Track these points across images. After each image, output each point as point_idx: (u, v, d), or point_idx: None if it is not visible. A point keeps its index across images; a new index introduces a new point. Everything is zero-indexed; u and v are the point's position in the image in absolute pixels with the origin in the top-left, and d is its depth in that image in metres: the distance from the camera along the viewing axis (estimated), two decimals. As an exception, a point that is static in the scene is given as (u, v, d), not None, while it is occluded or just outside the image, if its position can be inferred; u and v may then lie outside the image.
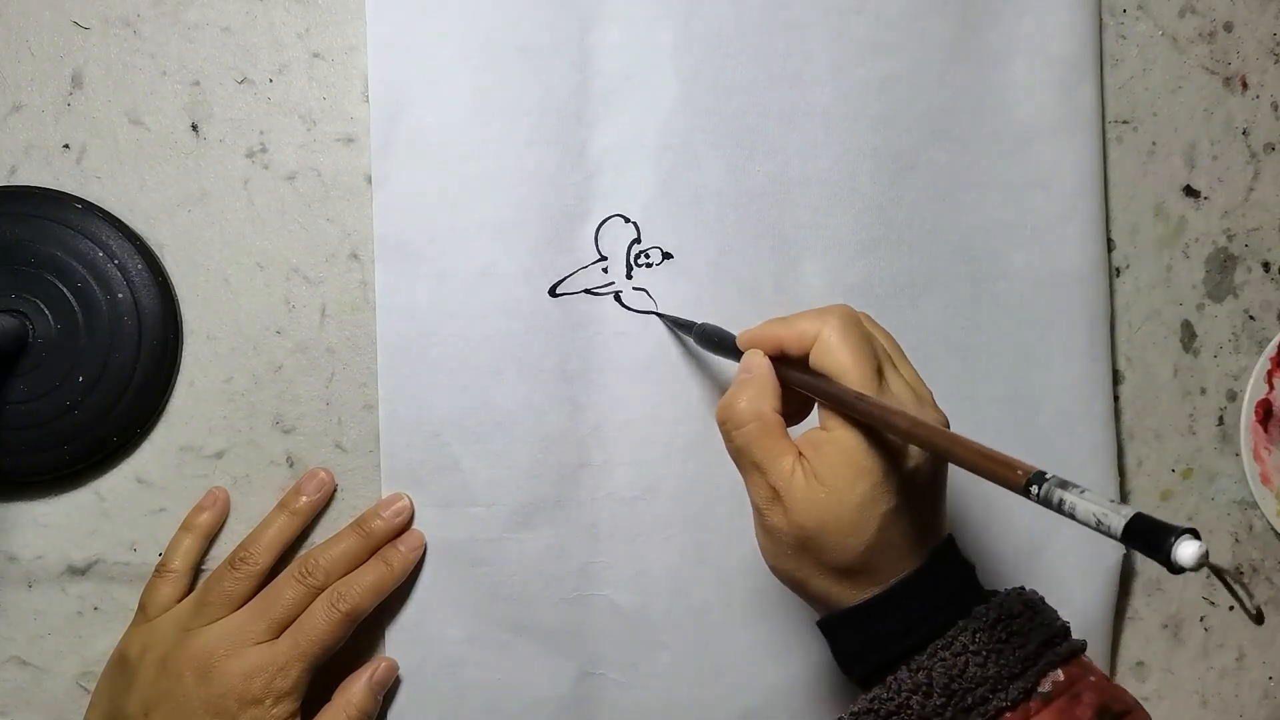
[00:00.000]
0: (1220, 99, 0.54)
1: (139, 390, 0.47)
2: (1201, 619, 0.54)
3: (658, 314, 0.49)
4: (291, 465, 0.49)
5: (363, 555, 0.47)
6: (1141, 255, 0.53)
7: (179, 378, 0.49)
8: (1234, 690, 0.55)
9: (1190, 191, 0.54)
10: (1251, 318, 0.54)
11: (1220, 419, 0.54)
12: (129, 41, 0.49)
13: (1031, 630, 0.36)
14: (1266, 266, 0.54)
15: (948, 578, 0.38)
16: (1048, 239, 0.51)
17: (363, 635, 0.47)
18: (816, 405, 0.39)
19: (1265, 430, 0.53)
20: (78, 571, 0.49)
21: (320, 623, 0.45)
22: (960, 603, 0.37)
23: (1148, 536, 0.27)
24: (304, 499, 0.48)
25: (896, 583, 0.37)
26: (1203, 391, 0.54)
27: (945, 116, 0.51)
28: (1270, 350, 0.53)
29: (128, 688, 0.44)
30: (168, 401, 0.49)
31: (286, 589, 0.45)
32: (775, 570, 0.39)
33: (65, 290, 0.47)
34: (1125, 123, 0.53)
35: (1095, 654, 0.51)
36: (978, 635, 0.36)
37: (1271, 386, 0.53)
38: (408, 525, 0.49)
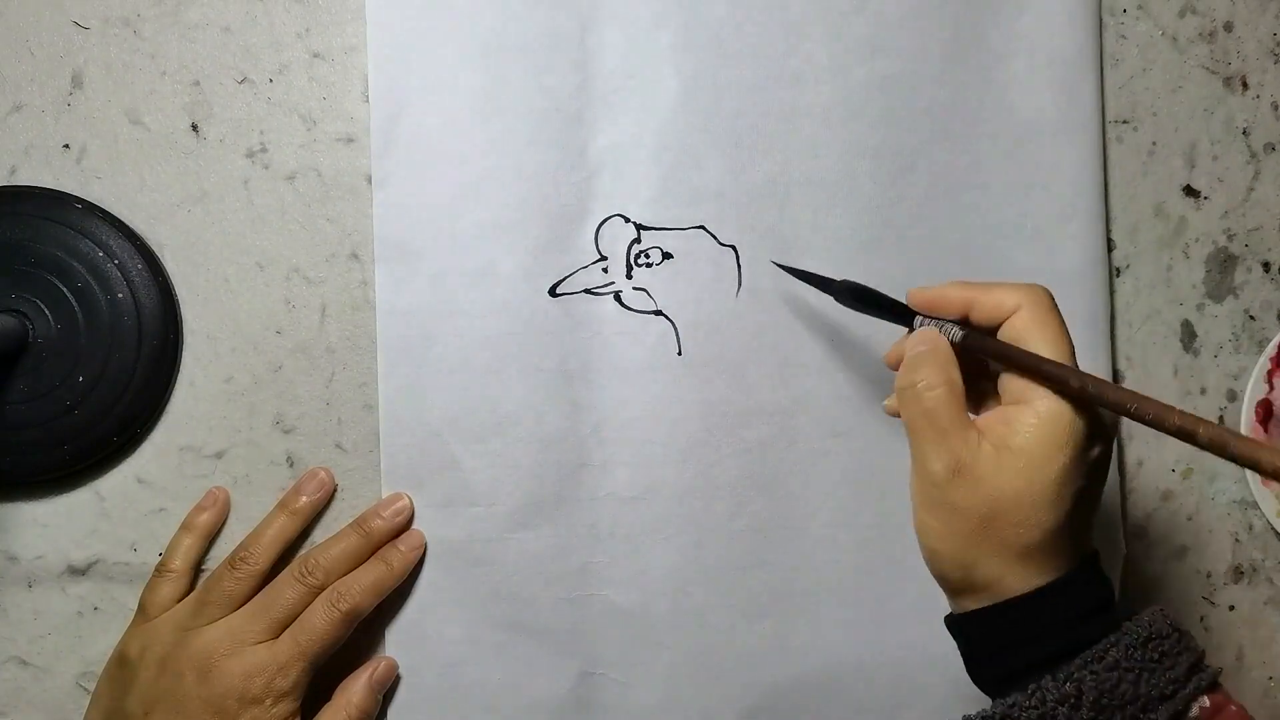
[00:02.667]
0: (1220, 99, 0.54)
1: (139, 390, 0.47)
2: (1201, 619, 0.54)
3: (783, 266, 0.48)
4: (291, 465, 0.49)
5: (363, 555, 0.47)
6: (1141, 255, 0.53)
7: (179, 378, 0.49)
8: (1234, 690, 0.55)
9: (1190, 191, 0.54)
10: (1251, 318, 0.54)
11: (1220, 419, 0.54)
12: (129, 41, 0.49)
13: (1180, 653, 0.35)
14: (1266, 266, 0.54)
15: (1099, 586, 0.37)
16: (1048, 239, 0.51)
17: (363, 634, 0.48)
18: (1000, 380, 0.38)
19: (1265, 430, 0.53)
20: (78, 571, 0.49)
21: (320, 622, 0.45)
22: (1107, 615, 0.36)
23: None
24: (304, 499, 0.48)
25: (1059, 579, 0.35)
26: (1203, 391, 0.54)
27: (945, 116, 0.51)
28: (1270, 350, 0.53)
29: (128, 687, 0.44)
30: (168, 401, 0.49)
31: (286, 589, 0.45)
32: (939, 555, 0.37)
33: (65, 290, 0.47)
34: (1125, 123, 0.53)
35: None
36: (1131, 652, 0.34)
37: (1271, 386, 0.53)
38: (408, 525, 0.49)
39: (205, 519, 0.48)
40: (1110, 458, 0.37)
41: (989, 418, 0.37)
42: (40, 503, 0.49)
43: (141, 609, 0.47)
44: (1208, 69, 0.54)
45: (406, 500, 0.49)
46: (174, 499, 0.49)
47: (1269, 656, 0.55)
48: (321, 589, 0.46)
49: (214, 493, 0.49)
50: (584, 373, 0.49)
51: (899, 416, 0.39)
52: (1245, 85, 0.54)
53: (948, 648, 0.51)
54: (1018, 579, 0.36)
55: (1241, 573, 0.54)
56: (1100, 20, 0.52)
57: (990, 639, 0.37)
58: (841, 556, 0.50)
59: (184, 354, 0.49)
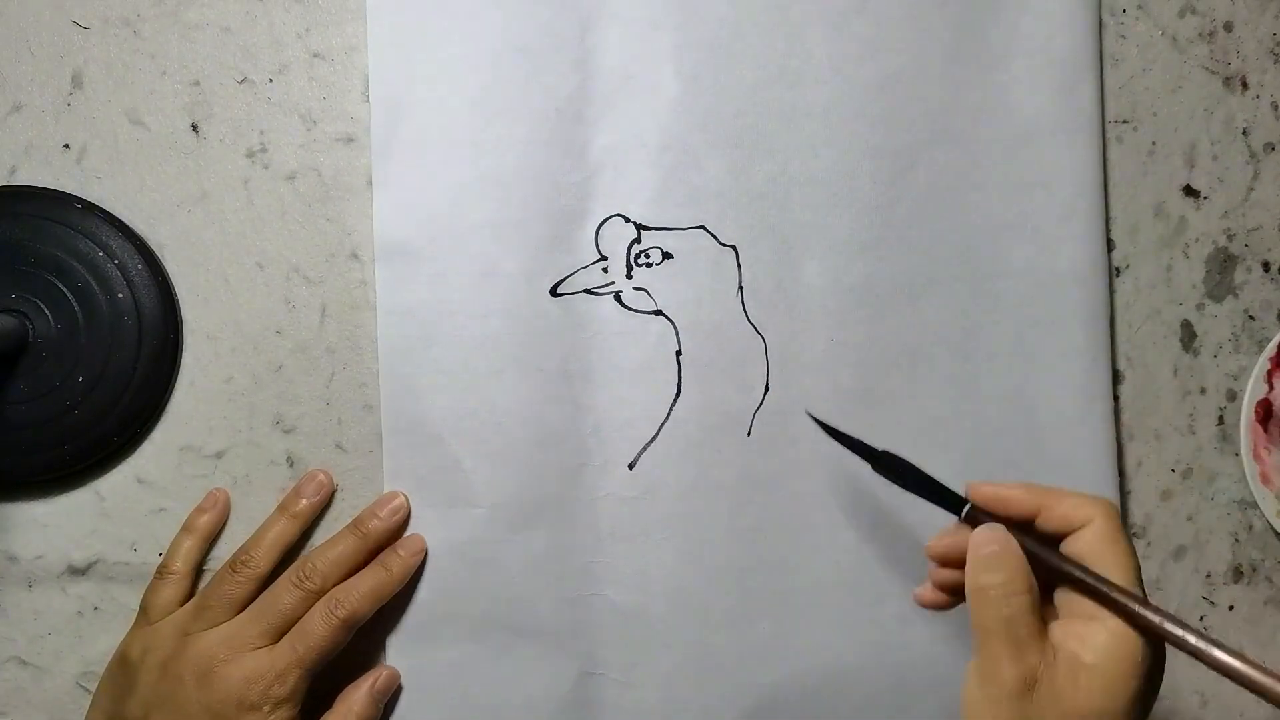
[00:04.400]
0: (1220, 99, 0.54)
1: (139, 390, 0.47)
2: (1201, 619, 0.54)
3: (823, 425, 0.43)
4: (291, 465, 0.49)
5: (361, 557, 0.47)
6: (1141, 255, 0.53)
7: (179, 378, 0.49)
8: (1234, 690, 0.55)
9: (1190, 191, 0.54)
10: (1251, 318, 0.54)
11: (1220, 419, 0.54)
12: (129, 41, 0.49)
13: None
14: (1266, 266, 0.54)
15: None
16: (1048, 239, 0.51)
17: (363, 639, 0.47)
18: (1061, 591, 0.37)
19: (1265, 430, 0.53)
20: (78, 571, 0.49)
21: (319, 629, 0.44)
22: None
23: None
24: (303, 501, 0.48)
25: None
26: (1203, 391, 0.54)
27: (945, 116, 0.51)
28: (1270, 350, 0.53)
29: (129, 690, 0.44)
30: (168, 401, 0.49)
31: (285, 593, 0.45)
32: None
33: (65, 290, 0.47)
34: (1125, 123, 0.53)
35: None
36: None
37: (1271, 386, 0.53)
38: (405, 524, 0.49)
39: (206, 520, 0.48)
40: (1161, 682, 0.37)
41: (1059, 630, 0.36)
42: (40, 503, 0.49)
43: (143, 611, 0.47)
44: (1208, 69, 0.54)
45: (403, 499, 0.48)
46: (174, 499, 0.49)
47: (1269, 656, 0.55)
48: (320, 593, 0.46)
49: (214, 494, 0.49)
50: (584, 373, 0.49)
51: (932, 607, 0.39)
52: (1245, 85, 0.54)
53: (947, 648, 0.51)
54: None
55: (1241, 573, 0.54)
56: (1100, 20, 0.52)
57: None
58: (841, 556, 0.50)
59: (184, 354, 0.49)
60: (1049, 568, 0.37)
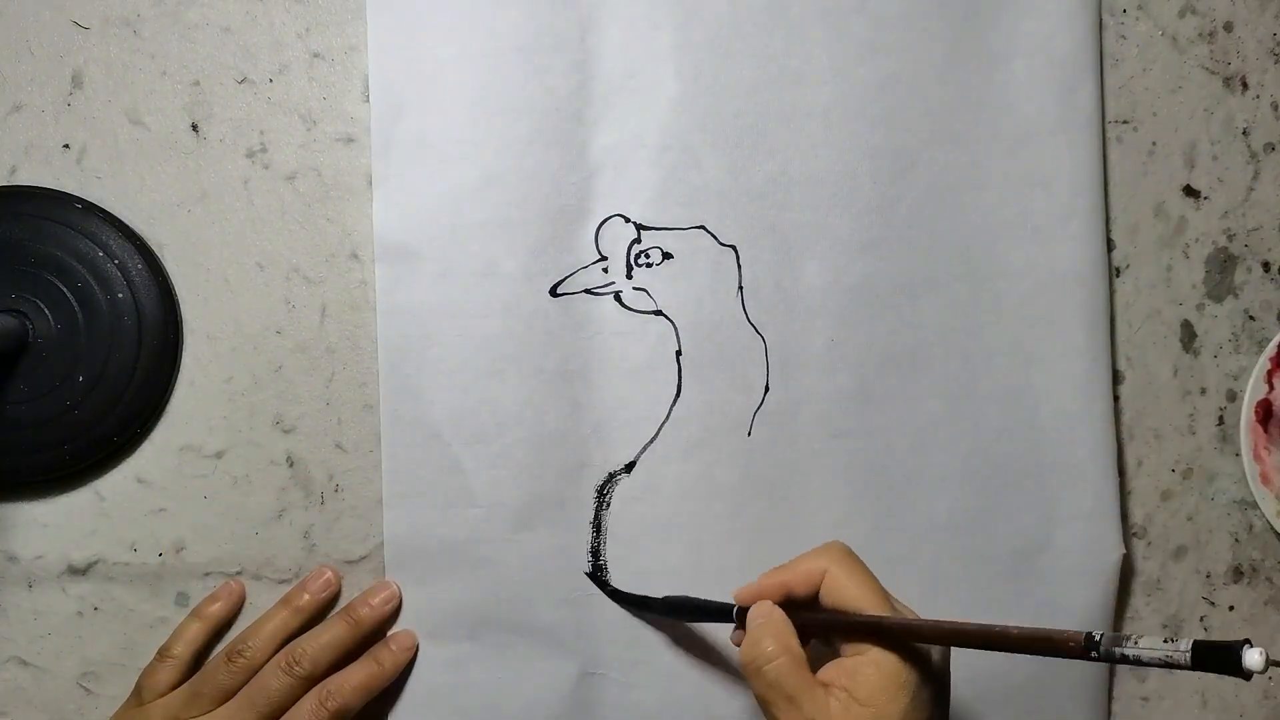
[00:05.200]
0: (1220, 99, 0.54)
1: (139, 390, 0.47)
2: (1201, 619, 0.54)
3: (615, 593, 0.49)
4: (291, 465, 0.49)
5: (350, 644, 0.47)
6: (1141, 255, 0.53)
7: (179, 378, 0.49)
8: (1234, 690, 0.55)
9: (1190, 191, 0.54)
10: (1251, 318, 0.54)
11: (1220, 419, 0.54)
12: (129, 41, 0.49)
13: None
14: (1266, 266, 0.54)
15: None
16: (1048, 239, 0.51)
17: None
18: (834, 639, 0.41)
19: (1265, 430, 0.53)
20: (78, 571, 0.49)
21: None
22: None
23: (1214, 659, 0.30)
24: (307, 597, 0.48)
25: None
26: (1203, 391, 0.54)
27: (945, 116, 0.51)
28: (1270, 350, 0.53)
29: None
30: (168, 401, 0.49)
31: (273, 679, 0.45)
32: None
33: (65, 290, 0.47)
34: (1125, 123, 0.53)
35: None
36: None
37: (1271, 386, 0.53)
38: (396, 613, 0.48)
39: (217, 610, 0.48)
40: (948, 689, 0.40)
41: (831, 672, 0.39)
42: (40, 503, 0.49)
43: (136, 691, 0.46)
44: (1208, 69, 0.54)
45: (395, 588, 0.48)
46: (174, 499, 0.49)
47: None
48: (308, 679, 0.45)
49: (230, 585, 0.48)
50: (584, 373, 0.49)
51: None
52: (1245, 85, 0.54)
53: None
54: None
55: (1241, 573, 0.54)
56: (1100, 20, 0.52)
57: None
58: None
59: (184, 354, 0.49)
60: (822, 625, 0.41)
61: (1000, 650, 0.35)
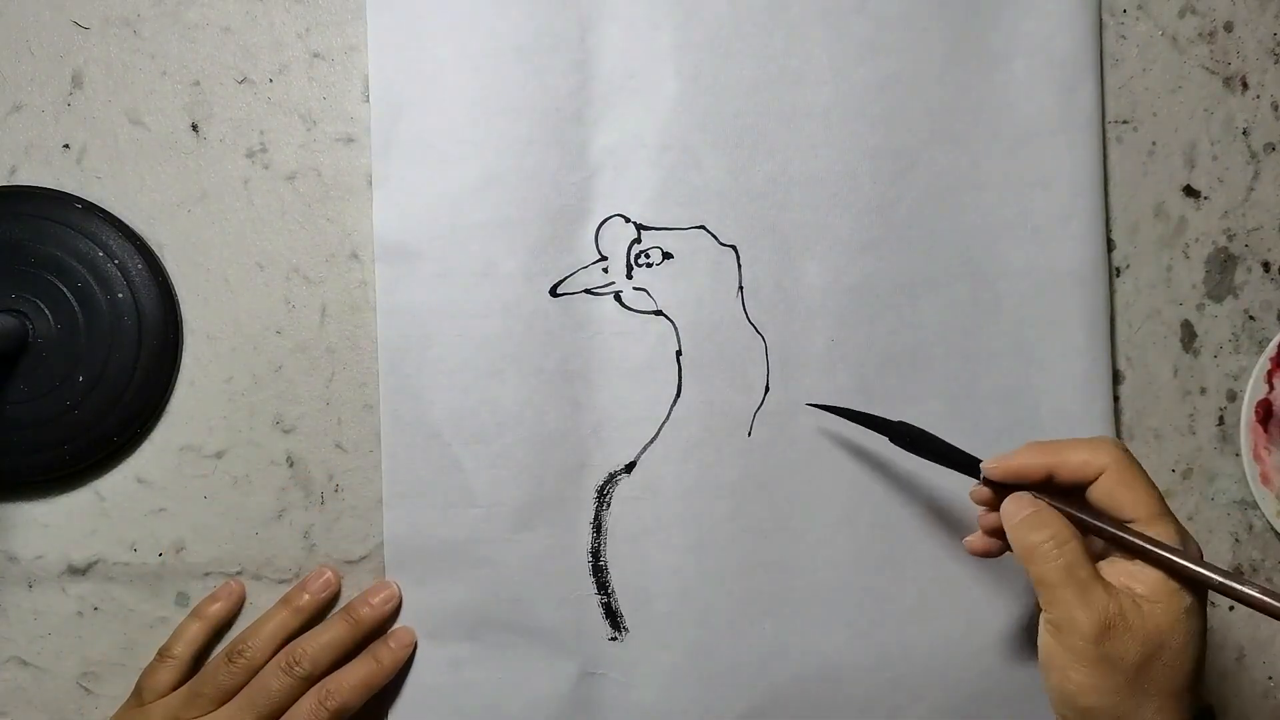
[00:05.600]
0: (1220, 99, 0.54)
1: (139, 390, 0.47)
2: (1201, 619, 0.54)
3: (828, 407, 0.48)
4: (291, 465, 0.49)
5: (349, 644, 0.47)
6: (1141, 255, 0.53)
7: (179, 378, 0.49)
8: (1234, 690, 0.55)
9: (1190, 191, 0.54)
10: (1251, 318, 0.54)
11: (1220, 419, 0.54)
12: (129, 41, 0.49)
13: None
14: (1266, 266, 0.54)
15: None
16: (1048, 239, 0.51)
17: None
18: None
19: (1265, 430, 0.53)
20: (78, 571, 0.49)
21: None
22: None
23: None
24: (307, 597, 0.48)
25: None
26: (1203, 391, 0.54)
27: (945, 116, 0.51)
28: (1270, 350, 0.53)
29: None
30: (168, 401, 0.49)
31: (273, 680, 0.45)
32: (1094, 712, 0.37)
33: (65, 290, 0.47)
34: (1125, 123, 0.53)
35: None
36: None
37: (1271, 386, 0.53)
38: (396, 613, 0.48)
39: (217, 610, 0.48)
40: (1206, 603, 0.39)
41: (1109, 568, 0.38)
42: (40, 503, 0.49)
43: (137, 691, 0.47)
44: (1208, 69, 0.54)
45: (395, 588, 0.48)
46: (174, 499, 0.49)
47: (1269, 656, 0.55)
48: (308, 679, 0.45)
49: (230, 585, 0.49)
50: (584, 373, 0.49)
51: (983, 554, 0.41)
52: (1245, 85, 0.54)
53: (947, 648, 0.51)
54: None
55: (1241, 573, 0.54)
56: (1100, 20, 0.52)
57: None
58: (841, 556, 0.50)
59: (184, 354, 0.49)
60: (1098, 533, 0.39)
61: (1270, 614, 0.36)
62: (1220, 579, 0.36)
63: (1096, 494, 0.39)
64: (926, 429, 0.45)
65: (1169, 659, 0.36)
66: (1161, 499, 0.38)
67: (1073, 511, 0.39)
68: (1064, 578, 0.37)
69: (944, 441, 0.44)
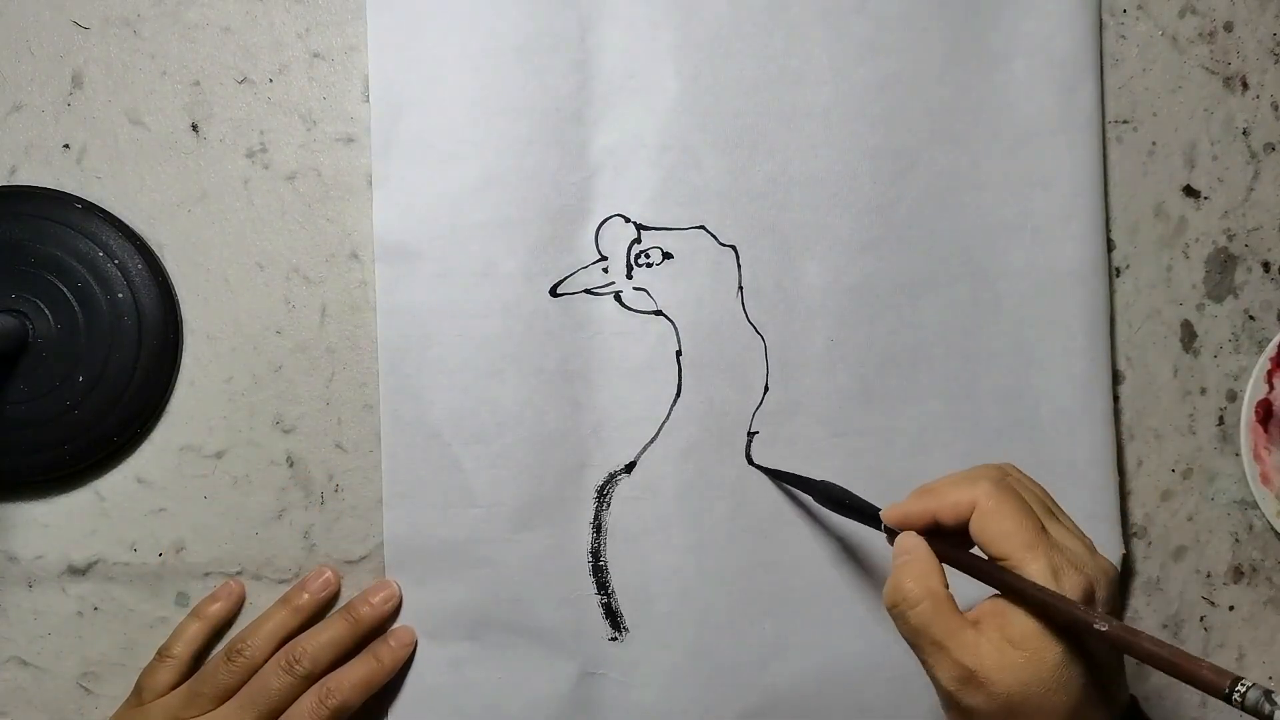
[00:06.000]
0: (1220, 99, 0.54)
1: (139, 390, 0.47)
2: (1201, 619, 0.54)
3: (771, 471, 0.49)
4: (291, 465, 0.49)
5: (349, 643, 0.47)
6: (1141, 255, 0.53)
7: (179, 378, 0.49)
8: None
9: (1190, 191, 0.54)
10: (1251, 318, 0.54)
11: (1220, 419, 0.54)
12: (129, 41, 0.49)
13: None
14: (1266, 266, 0.54)
15: None
16: (1048, 239, 0.51)
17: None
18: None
19: (1265, 430, 0.53)
20: (78, 571, 0.49)
21: (307, 719, 0.44)
22: None
23: None
24: (306, 596, 0.48)
25: None
26: (1203, 391, 0.54)
27: (945, 116, 0.51)
28: (1270, 350, 0.53)
29: None
30: (168, 401, 0.49)
31: (273, 678, 0.45)
32: None
33: (65, 290, 0.47)
34: (1125, 123, 0.53)
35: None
36: None
37: (1271, 386, 0.53)
38: (396, 612, 0.48)
39: (216, 609, 0.48)
40: (1118, 660, 0.37)
41: (985, 609, 0.37)
42: (40, 503, 0.49)
43: (136, 691, 0.46)
44: (1208, 69, 0.54)
45: (395, 588, 0.48)
46: (174, 499, 0.49)
47: (1269, 656, 0.55)
48: (308, 678, 0.45)
49: (229, 585, 0.48)
50: (584, 373, 0.49)
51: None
52: (1245, 85, 0.54)
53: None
54: None
55: (1241, 573, 0.54)
56: (1100, 20, 0.52)
57: None
58: (842, 556, 0.50)
59: (184, 354, 0.49)
60: (965, 567, 0.38)
61: (1145, 662, 0.33)
62: (1085, 617, 0.34)
63: (973, 530, 0.37)
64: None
65: (1037, 705, 0.34)
66: (1037, 529, 0.36)
67: (949, 551, 0.38)
68: (920, 639, 0.36)
69: (858, 498, 0.44)
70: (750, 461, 0.49)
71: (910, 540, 0.39)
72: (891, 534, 0.41)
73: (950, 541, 0.39)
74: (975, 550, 0.38)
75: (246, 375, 0.49)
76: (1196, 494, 0.54)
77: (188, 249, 0.49)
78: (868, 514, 0.43)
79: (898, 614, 0.37)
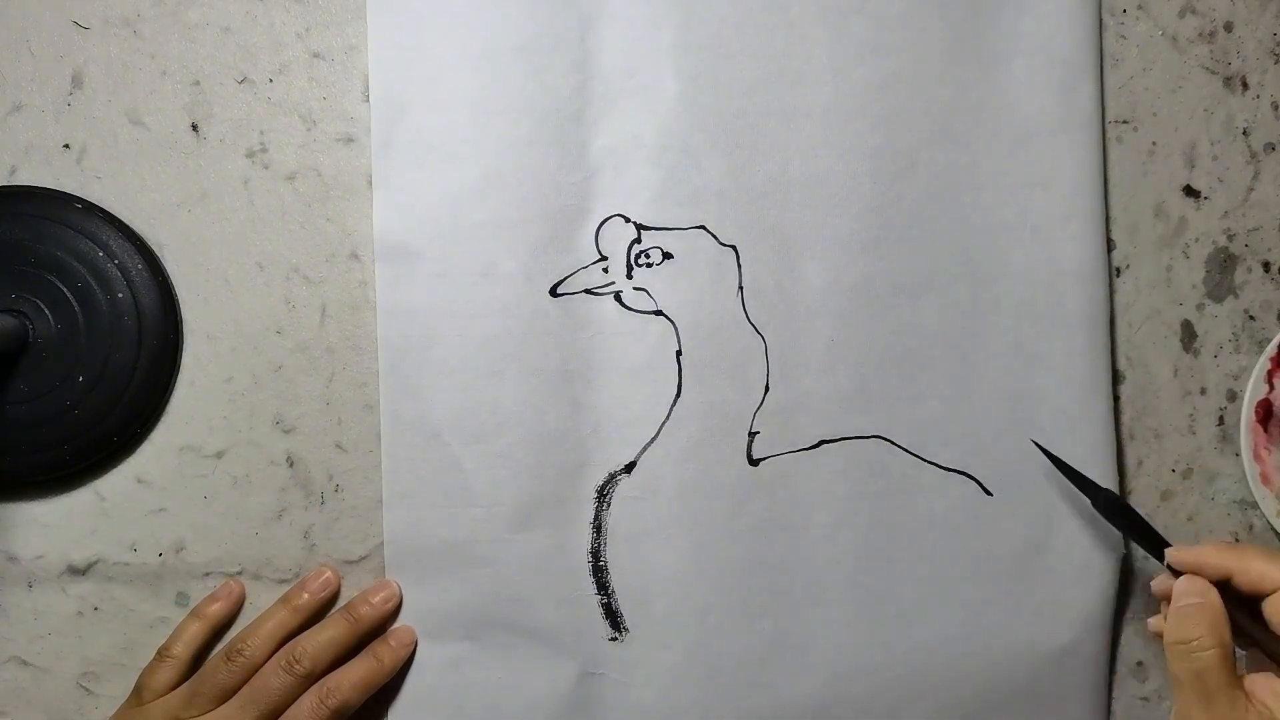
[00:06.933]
0: (1220, 99, 0.54)
1: (139, 390, 0.47)
2: (1201, 619, 0.54)
3: (1060, 462, 0.49)
4: (291, 465, 0.49)
5: (349, 643, 0.47)
6: (1141, 255, 0.53)
7: (179, 378, 0.49)
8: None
9: (1190, 191, 0.54)
10: (1251, 318, 0.54)
11: (1220, 419, 0.54)
12: (129, 41, 0.49)
13: None
14: (1266, 266, 0.54)
15: None
16: (1048, 239, 0.51)
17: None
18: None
19: (1265, 430, 0.53)
20: (78, 571, 0.49)
21: (307, 719, 0.44)
22: None
23: None
24: (307, 596, 0.48)
25: None
26: (1203, 391, 0.54)
27: (945, 116, 0.51)
28: (1270, 350, 0.53)
29: None
30: (168, 401, 0.49)
31: (273, 678, 0.45)
32: None
33: (65, 290, 0.47)
34: (1125, 123, 0.53)
35: (1095, 654, 0.51)
36: None
37: (1271, 386, 0.53)
38: (396, 612, 0.48)
39: (216, 609, 0.48)
40: None
41: (1259, 683, 0.38)
42: (40, 503, 0.49)
43: (136, 690, 0.46)
44: (1208, 69, 0.54)
45: (395, 587, 0.48)
46: (174, 499, 0.49)
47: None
48: (308, 677, 0.45)
49: (229, 584, 0.48)
50: (584, 373, 0.49)
51: (1159, 637, 0.41)
52: (1245, 85, 0.54)
53: (948, 649, 0.51)
54: None
55: (1241, 573, 0.54)
56: (1100, 20, 0.52)
57: None
58: (841, 556, 0.50)
59: (184, 354, 0.49)
60: (1257, 641, 0.39)
61: None
62: None
63: (1269, 609, 0.39)
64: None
65: None
66: None
67: (1238, 616, 0.39)
68: (1192, 680, 0.38)
69: (1144, 520, 0.46)
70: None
71: (1201, 585, 0.40)
72: (1173, 571, 0.42)
73: (1229, 600, 0.40)
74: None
75: (246, 375, 0.49)
76: (1196, 494, 0.54)
77: (188, 249, 0.49)
78: (1152, 541, 0.45)
79: (1181, 652, 0.38)
